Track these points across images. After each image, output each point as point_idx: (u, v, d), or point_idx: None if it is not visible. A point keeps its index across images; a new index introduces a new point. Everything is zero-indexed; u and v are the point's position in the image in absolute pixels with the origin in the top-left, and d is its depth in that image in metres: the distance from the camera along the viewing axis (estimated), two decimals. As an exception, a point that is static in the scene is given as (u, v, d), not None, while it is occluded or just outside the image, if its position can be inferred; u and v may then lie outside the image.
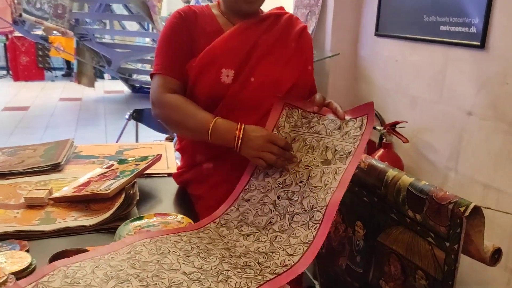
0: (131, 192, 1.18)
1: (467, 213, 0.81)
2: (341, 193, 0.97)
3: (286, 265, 0.89)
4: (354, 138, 1.06)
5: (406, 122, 1.73)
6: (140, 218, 1.11)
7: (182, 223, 1.09)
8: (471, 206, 0.82)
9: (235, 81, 1.19)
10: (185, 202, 1.32)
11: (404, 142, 1.69)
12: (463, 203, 0.83)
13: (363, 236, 1.12)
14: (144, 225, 1.07)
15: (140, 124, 2.63)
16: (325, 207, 0.96)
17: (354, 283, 1.17)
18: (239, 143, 1.09)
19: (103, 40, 6.55)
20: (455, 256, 0.85)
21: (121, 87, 7.86)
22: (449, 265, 0.85)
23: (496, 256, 0.87)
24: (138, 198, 1.19)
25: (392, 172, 1.02)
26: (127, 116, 2.55)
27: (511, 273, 1.37)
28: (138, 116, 2.52)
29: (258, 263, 0.91)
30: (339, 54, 2.10)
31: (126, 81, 7.24)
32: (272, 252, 0.94)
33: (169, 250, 0.90)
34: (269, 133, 1.12)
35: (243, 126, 1.10)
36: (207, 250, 0.93)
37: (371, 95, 2.03)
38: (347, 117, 1.12)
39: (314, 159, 1.09)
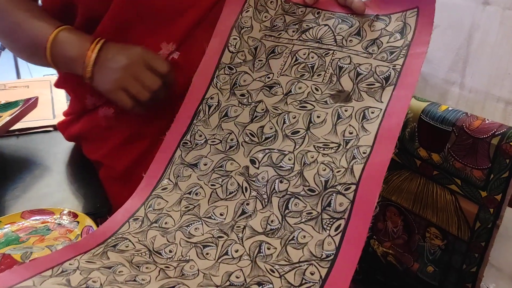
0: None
1: (524, 150, 0.60)
2: (386, 155, 0.52)
3: None
4: (393, 52, 0.60)
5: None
6: (-9, 227, 0.58)
7: (71, 230, 0.58)
8: (531, 139, 0.60)
9: None
10: (87, 173, 0.82)
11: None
12: (515, 135, 0.61)
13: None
14: (-2, 245, 0.55)
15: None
16: (354, 186, 0.51)
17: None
18: (90, 69, 0.66)
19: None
20: (496, 210, 0.65)
21: None
22: (484, 222, 0.67)
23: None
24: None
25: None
26: (-1, 45, 1.85)
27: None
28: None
29: None
30: None
31: None
32: (260, 284, 0.48)
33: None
34: (145, 50, 0.67)
35: (102, 42, 0.68)
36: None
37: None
38: (371, 12, 0.64)
39: (317, 89, 0.61)
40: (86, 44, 0.67)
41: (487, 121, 0.67)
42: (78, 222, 0.59)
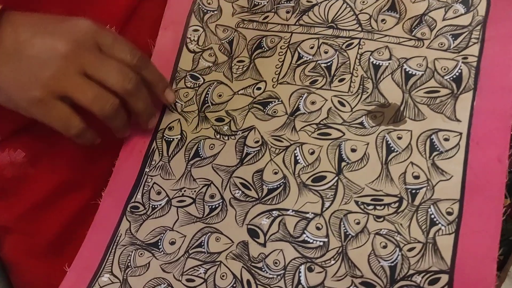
0: None
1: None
2: (492, 217, 0.31)
3: None
4: (459, 36, 0.39)
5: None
6: None
7: None
8: None
9: None
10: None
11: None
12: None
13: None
14: None
15: None
16: (446, 277, 0.31)
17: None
18: None
19: None
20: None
21: None
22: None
23: None
24: None
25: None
26: None
27: None
28: None
29: None
30: None
31: None
32: None
33: None
34: (94, 24, 0.36)
35: None
36: None
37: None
38: None
39: (343, 104, 0.39)
40: None
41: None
42: None
